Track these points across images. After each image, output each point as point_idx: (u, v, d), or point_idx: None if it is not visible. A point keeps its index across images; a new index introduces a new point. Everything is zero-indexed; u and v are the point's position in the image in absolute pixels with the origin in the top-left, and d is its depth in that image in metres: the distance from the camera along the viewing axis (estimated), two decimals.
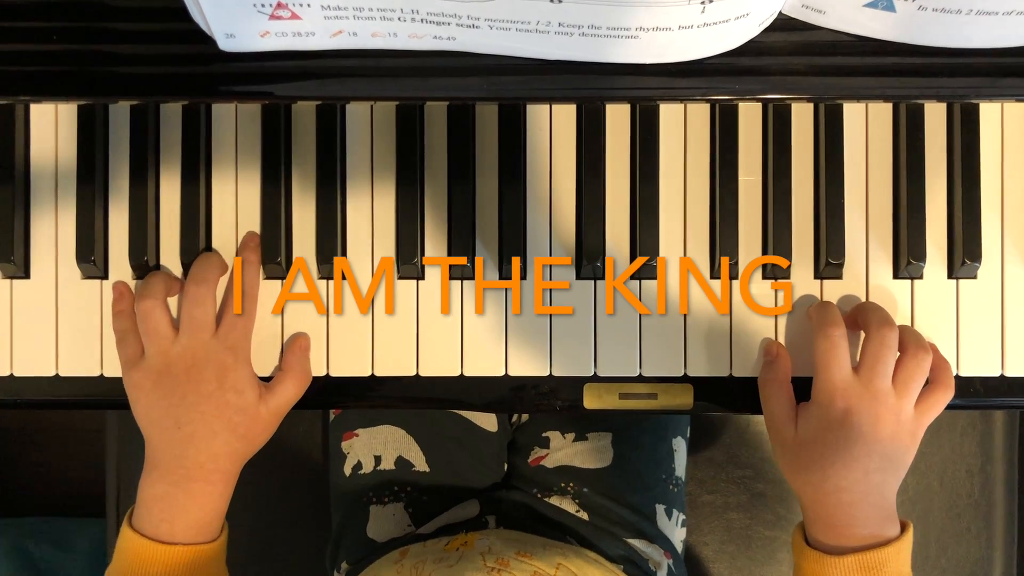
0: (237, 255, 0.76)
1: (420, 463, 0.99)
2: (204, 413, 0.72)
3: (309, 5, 0.59)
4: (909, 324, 0.77)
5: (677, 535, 1.04)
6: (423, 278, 0.77)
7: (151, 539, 0.72)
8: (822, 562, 0.71)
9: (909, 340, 0.72)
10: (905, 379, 0.71)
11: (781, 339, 0.77)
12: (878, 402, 0.70)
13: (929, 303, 0.77)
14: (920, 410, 0.72)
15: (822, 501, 0.71)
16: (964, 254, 0.75)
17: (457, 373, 0.77)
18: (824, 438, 0.70)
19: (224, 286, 0.76)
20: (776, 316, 0.77)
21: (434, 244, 0.77)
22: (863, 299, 0.77)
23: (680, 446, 1.06)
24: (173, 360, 0.72)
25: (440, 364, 0.77)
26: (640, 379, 0.77)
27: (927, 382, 0.73)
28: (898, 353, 0.72)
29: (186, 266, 0.76)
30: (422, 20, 0.61)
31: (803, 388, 0.74)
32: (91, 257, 0.75)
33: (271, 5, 0.59)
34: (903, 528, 0.72)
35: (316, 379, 0.77)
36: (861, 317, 0.74)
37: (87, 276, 0.77)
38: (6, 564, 1.41)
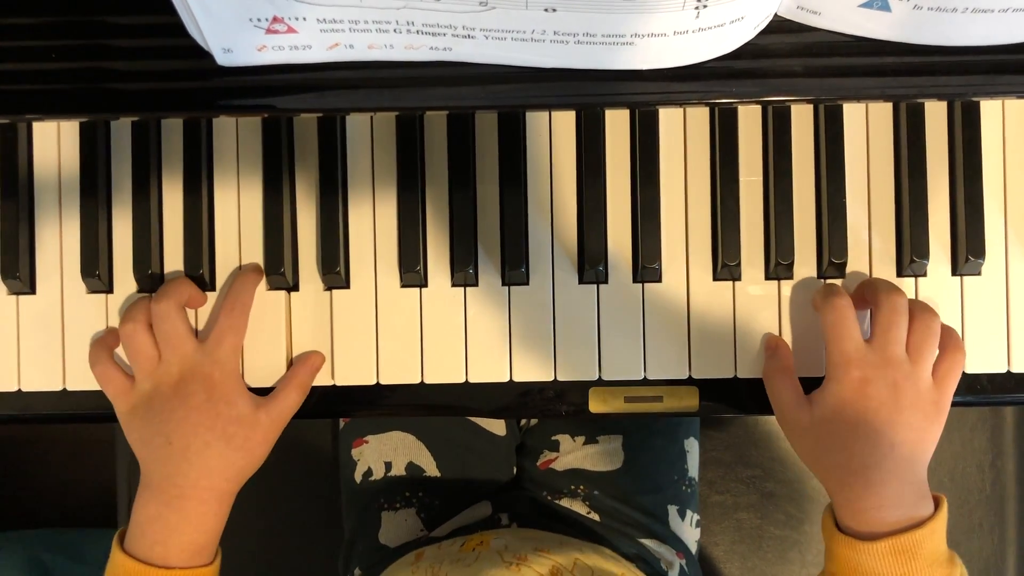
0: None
1: (430, 468, 0.99)
2: (196, 425, 0.71)
3: (305, 19, 0.60)
4: None
5: (691, 535, 1.04)
6: (426, 285, 0.77)
7: (144, 562, 0.71)
8: (854, 547, 0.68)
9: (915, 306, 0.71)
10: (917, 344, 0.70)
11: (785, 339, 0.77)
12: (893, 368, 0.68)
13: (933, 301, 0.77)
14: (939, 377, 0.70)
15: (849, 484, 0.69)
16: (968, 251, 0.75)
17: (462, 380, 0.77)
18: (843, 413, 0.68)
19: (213, 301, 0.77)
20: (779, 317, 0.77)
21: (436, 251, 0.77)
22: None
23: (692, 447, 1.05)
24: (161, 379, 0.72)
25: (444, 371, 0.77)
26: (645, 382, 0.77)
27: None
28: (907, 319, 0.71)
29: (191, 279, 0.76)
30: (418, 32, 0.61)
31: (808, 389, 0.73)
32: (96, 272, 0.76)
33: (267, 19, 0.60)
34: (937, 505, 0.69)
35: (323, 388, 0.77)
36: (868, 290, 0.73)
37: (92, 290, 0.77)
38: (21, 575, 1.41)
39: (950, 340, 0.72)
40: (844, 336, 0.70)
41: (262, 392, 0.75)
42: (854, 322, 0.70)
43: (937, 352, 0.71)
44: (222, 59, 0.64)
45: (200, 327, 0.77)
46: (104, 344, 0.76)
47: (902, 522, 0.68)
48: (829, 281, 0.76)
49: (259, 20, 0.60)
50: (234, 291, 0.75)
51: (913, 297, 0.77)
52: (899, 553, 0.67)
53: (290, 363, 0.77)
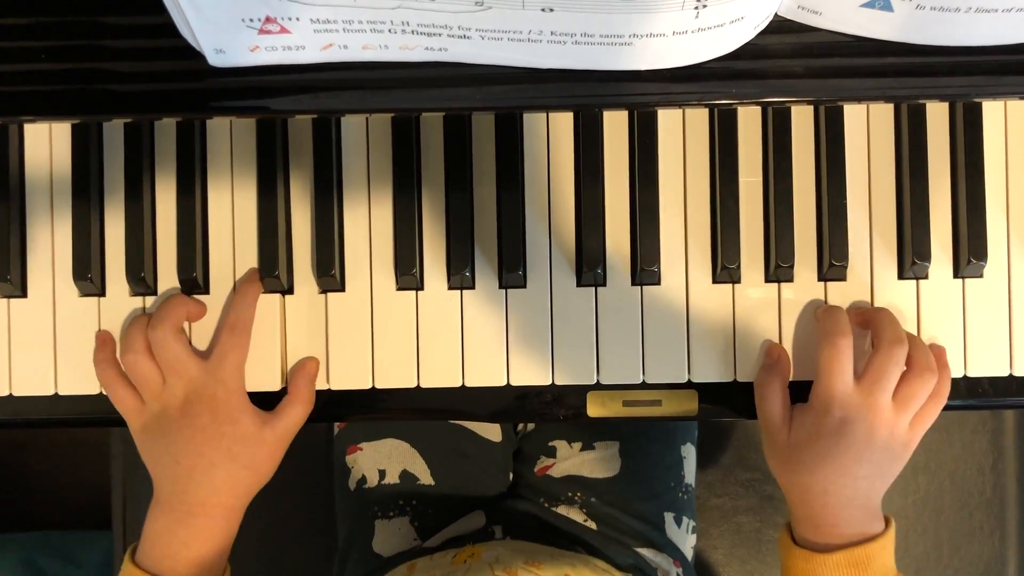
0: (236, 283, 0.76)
1: (425, 476, 0.98)
2: (201, 445, 0.72)
3: (298, 19, 0.59)
4: (916, 325, 0.76)
5: (687, 542, 1.04)
6: (422, 288, 0.76)
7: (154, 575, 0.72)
8: (810, 560, 0.71)
9: (918, 359, 0.72)
10: (906, 397, 0.71)
11: (785, 342, 0.76)
12: (875, 414, 0.70)
13: (935, 303, 0.76)
14: (914, 423, 0.72)
15: (809, 502, 0.72)
16: (970, 253, 0.74)
17: (458, 384, 0.76)
18: (816, 444, 0.70)
19: (209, 303, 0.76)
20: (779, 320, 0.76)
21: (432, 254, 0.76)
22: (867, 301, 0.76)
23: (689, 452, 1.05)
24: (167, 401, 0.73)
25: (441, 375, 0.76)
26: (644, 386, 0.76)
27: None
28: (903, 368, 0.72)
29: (183, 282, 0.76)
30: (412, 32, 0.60)
31: (802, 391, 0.73)
32: (88, 275, 0.75)
33: (260, 19, 0.59)
34: (887, 524, 0.73)
35: (317, 392, 0.77)
36: (873, 326, 0.73)
37: (84, 293, 0.77)
38: None
39: (940, 387, 0.73)
40: (836, 375, 0.70)
41: (258, 397, 0.75)
42: (849, 362, 0.71)
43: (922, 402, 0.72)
44: (214, 60, 0.64)
45: (198, 334, 0.76)
46: (110, 362, 0.75)
47: (856, 537, 0.71)
48: (834, 304, 0.76)
49: (252, 20, 0.59)
50: (236, 309, 0.74)
51: (917, 301, 0.76)
52: (853, 565, 0.70)
53: (285, 366, 0.76)
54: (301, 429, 0.77)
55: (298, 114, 0.74)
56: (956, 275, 0.76)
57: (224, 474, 0.73)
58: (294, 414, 0.75)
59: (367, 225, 0.77)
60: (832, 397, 0.70)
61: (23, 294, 0.77)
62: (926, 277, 0.76)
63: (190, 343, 0.75)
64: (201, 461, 0.72)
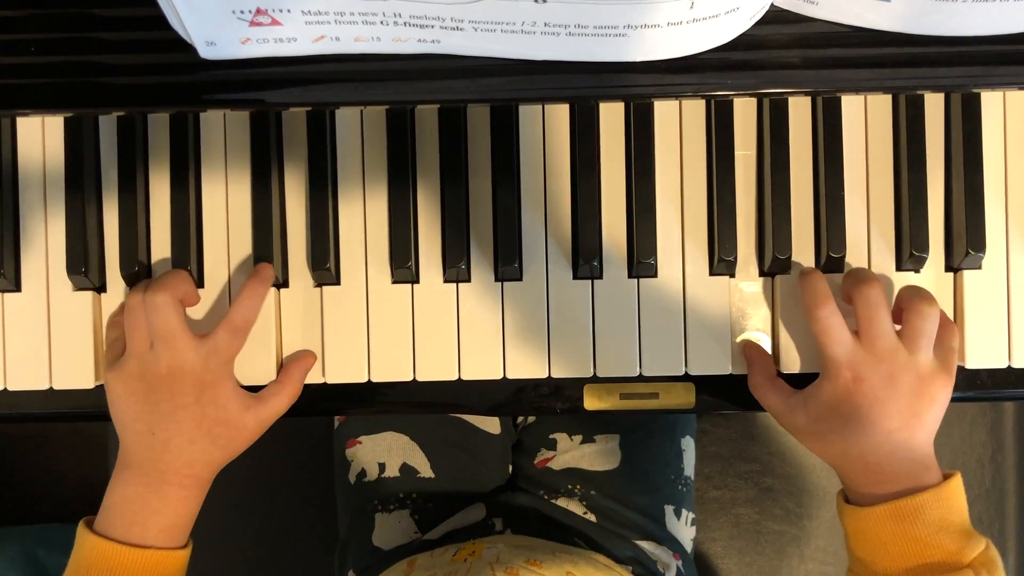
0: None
1: (425, 469, 0.98)
2: (181, 422, 0.71)
3: (289, 11, 0.58)
4: None
5: (686, 534, 1.04)
6: (418, 281, 0.76)
7: (120, 542, 0.70)
8: (856, 515, 0.70)
9: (911, 295, 0.71)
10: (912, 335, 0.69)
11: (782, 335, 0.76)
12: (888, 362, 0.68)
13: (933, 295, 0.75)
14: (939, 356, 0.70)
15: (849, 467, 0.71)
16: (968, 244, 0.74)
17: (455, 377, 0.76)
18: (837, 411, 0.69)
19: (208, 309, 0.76)
20: (776, 312, 0.76)
21: (428, 247, 0.76)
22: None
23: (689, 445, 1.05)
24: (147, 367, 0.71)
25: (437, 368, 0.76)
26: (641, 379, 0.76)
27: None
28: (890, 308, 0.71)
29: None
30: (405, 24, 0.60)
31: (803, 383, 0.72)
32: (81, 269, 0.75)
33: (250, 11, 0.58)
34: (946, 477, 0.69)
35: (313, 386, 0.76)
36: (844, 287, 0.73)
37: (78, 288, 0.76)
38: (17, 571, 1.41)
39: (942, 319, 0.71)
40: (831, 343, 0.69)
41: (249, 389, 0.74)
42: (840, 327, 0.69)
43: (935, 333, 0.70)
44: (205, 52, 0.63)
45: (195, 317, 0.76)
46: (116, 322, 0.75)
47: (903, 490, 0.68)
48: (807, 272, 0.74)
49: (242, 12, 0.59)
50: (242, 307, 0.73)
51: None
52: (900, 518, 0.68)
53: (279, 361, 0.76)
54: (301, 423, 0.76)
55: (292, 107, 0.73)
56: (954, 267, 0.76)
57: (200, 450, 0.72)
58: (278, 403, 0.74)
59: (362, 218, 0.76)
60: (838, 364, 0.69)
61: (17, 288, 0.77)
62: (923, 269, 0.76)
63: (186, 318, 0.74)
64: (179, 437, 0.71)
